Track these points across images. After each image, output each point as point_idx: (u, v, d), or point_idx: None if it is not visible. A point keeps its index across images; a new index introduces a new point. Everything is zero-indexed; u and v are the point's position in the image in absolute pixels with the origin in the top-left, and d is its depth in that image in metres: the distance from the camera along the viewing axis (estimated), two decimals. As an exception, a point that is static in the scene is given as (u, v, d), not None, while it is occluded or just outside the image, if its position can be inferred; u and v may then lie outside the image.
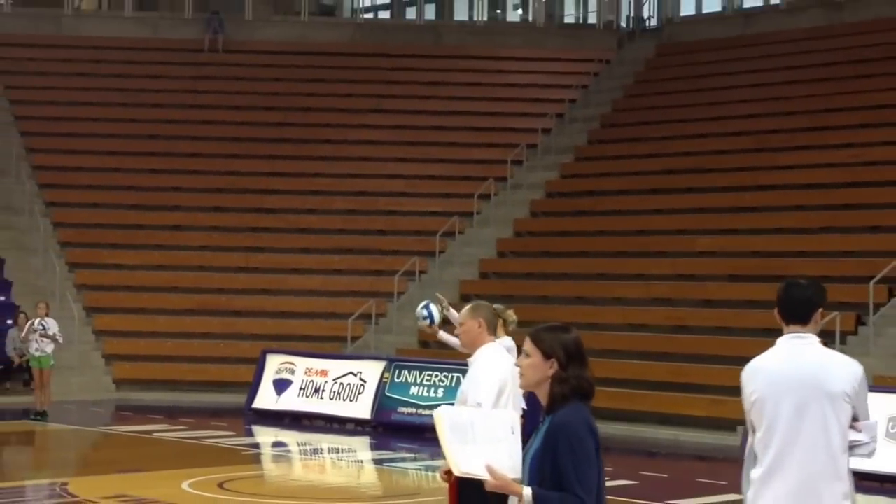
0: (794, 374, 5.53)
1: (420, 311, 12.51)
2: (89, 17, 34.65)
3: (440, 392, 19.15)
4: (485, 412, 6.76)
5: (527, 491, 4.87)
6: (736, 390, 19.55)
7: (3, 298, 24.66)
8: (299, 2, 36.13)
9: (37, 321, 20.78)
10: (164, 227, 27.02)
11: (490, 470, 4.95)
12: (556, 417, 4.94)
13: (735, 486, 16.63)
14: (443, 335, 12.25)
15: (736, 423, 17.59)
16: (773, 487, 5.55)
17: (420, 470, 16.40)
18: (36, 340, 20.65)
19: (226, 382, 23.33)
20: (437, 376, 19.69)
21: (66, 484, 14.99)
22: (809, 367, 5.52)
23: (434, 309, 12.47)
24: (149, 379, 24.07)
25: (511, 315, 11.12)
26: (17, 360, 22.74)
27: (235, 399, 21.92)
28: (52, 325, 20.76)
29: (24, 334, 21.26)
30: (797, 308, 5.62)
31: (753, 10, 32.24)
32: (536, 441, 4.98)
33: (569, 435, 4.88)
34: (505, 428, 5.20)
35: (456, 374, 18.18)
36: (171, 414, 21.01)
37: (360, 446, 19.02)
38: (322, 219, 27.63)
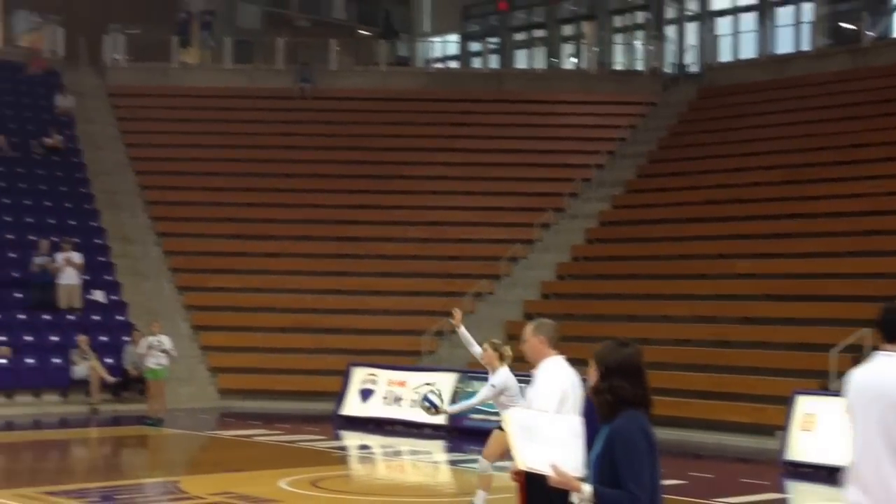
0: (876, 386, 5.62)
1: (422, 402, 12.58)
2: (194, 69, 35.06)
3: (507, 400, 19.19)
4: (550, 416, 6.84)
5: (587, 487, 4.95)
6: (774, 399, 19.45)
7: (121, 318, 25.00)
8: (378, 53, 36.43)
9: (152, 338, 21.11)
10: (261, 254, 27.24)
11: (553, 467, 5.02)
12: (613, 424, 5.02)
13: (776, 486, 16.56)
14: (462, 332, 12.30)
15: (774, 428, 17.52)
16: (854, 483, 5.65)
17: (491, 471, 16.39)
18: (152, 355, 21.00)
19: (316, 392, 23.45)
20: (504, 386, 19.71)
21: (178, 482, 15.20)
22: (890, 381, 5.60)
23: (434, 398, 12.60)
24: (249, 389, 24.25)
25: (508, 351, 11.66)
26: (133, 373, 23.00)
27: (324, 407, 22.06)
28: (166, 342, 21.09)
29: (140, 350, 21.60)
30: (892, 329, 5.71)
31: (786, 56, 32.06)
32: (599, 445, 5.06)
33: (623, 439, 4.96)
34: (568, 431, 5.27)
35: (521, 385, 18.15)
36: (268, 420, 21.17)
37: (436, 449, 19.10)
38: (399, 246, 27.74)
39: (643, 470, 4.94)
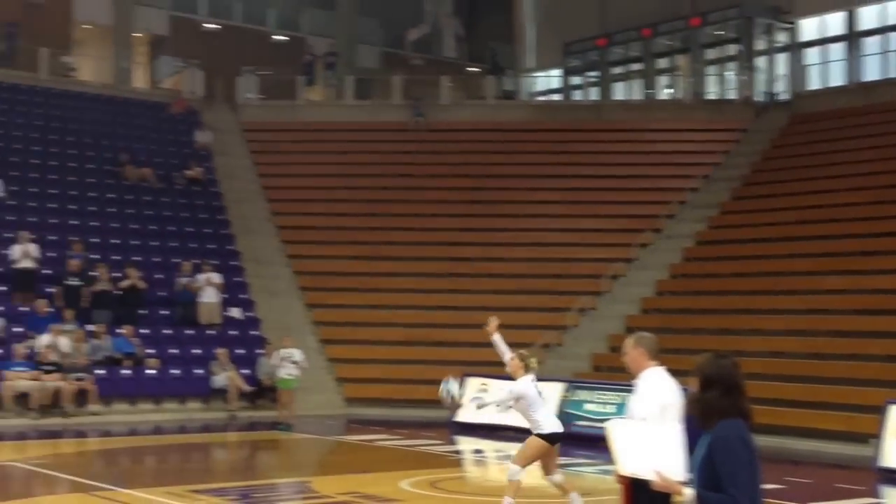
0: None
1: (443, 390, 12.63)
2: (318, 105, 35.55)
3: (611, 408, 19.07)
4: (651, 425, 6.80)
5: (690, 491, 4.93)
6: (867, 408, 19.00)
7: (256, 333, 25.38)
8: (486, 88, 36.55)
9: (284, 351, 21.42)
10: (382, 273, 27.46)
11: (656, 472, 5.00)
12: (714, 431, 4.98)
13: (871, 491, 16.14)
14: (496, 340, 12.18)
15: (868, 436, 17.12)
16: None
17: (595, 473, 16.28)
18: (283, 366, 21.30)
19: (432, 400, 23.34)
20: (608, 395, 19.62)
21: (309, 482, 15.37)
22: None
23: (453, 386, 12.66)
24: (371, 397, 24.41)
25: (534, 362, 11.73)
26: (267, 382, 23.28)
27: (440, 414, 22.03)
28: (296, 354, 21.37)
29: (273, 361, 21.93)
30: None
31: (873, 83, 31.41)
32: (700, 452, 5.03)
33: (723, 446, 4.91)
34: (668, 438, 5.24)
35: (623, 394, 18.06)
36: (389, 426, 21.26)
37: (544, 453, 18.99)
38: (508, 265, 27.74)
39: (743, 474, 4.91)
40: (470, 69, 41.91)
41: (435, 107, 33.81)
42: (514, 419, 20.55)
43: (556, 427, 11.78)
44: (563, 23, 39.45)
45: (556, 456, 12.00)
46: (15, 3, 35.39)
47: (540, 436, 11.66)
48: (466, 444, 20.14)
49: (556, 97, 39.38)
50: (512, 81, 40.20)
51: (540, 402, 11.68)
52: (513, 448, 19.16)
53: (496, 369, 23.02)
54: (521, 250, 28.12)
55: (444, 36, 42.67)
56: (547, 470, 11.87)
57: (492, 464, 18.66)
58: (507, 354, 11.94)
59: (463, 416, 21.41)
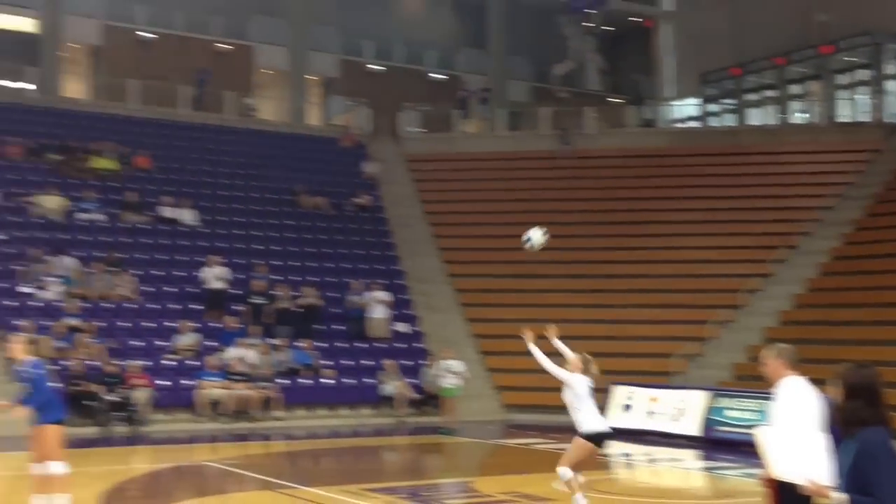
0: None
1: (525, 238, 12.92)
2: (474, 136, 35.79)
3: (753, 415, 18.64)
4: (798, 432, 6.66)
5: (840, 496, 4.83)
6: None
7: (420, 345, 25.58)
8: (627, 117, 36.25)
9: (445, 362, 21.61)
10: (535, 290, 27.33)
11: (807, 476, 4.91)
12: (858, 438, 4.85)
13: None
14: (557, 343, 12.21)
15: None
16: None
17: (739, 477, 15.91)
18: (446, 376, 21.49)
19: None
20: (749, 403, 19.18)
21: (471, 482, 15.42)
22: None
23: (533, 234, 12.87)
24: (527, 404, 24.33)
25: (593, 367, 11.78)
26: (431, 391, 23.45)
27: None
28: (457, 365, 21.54)
29: (436, 371, 22.13)
30: None
31: None
32: (846, 458, 4.93)
33: (869, 452, 4.78)
34: (815, 444, 5.16)
35: (764, 401, 17.63)
36: (543, 430, 21.15)
37: (690, 457, 18.65)
38: (651, 281, 27.36)
39: (889, 481, 4.79)
40: (611, 100, 41.64)
41: (580, 136, 33.64)
42: (660, 424, 20.38)
43: (597, 426, 11.61)
44: (699, 55, 38.91)
45: (594, 456, 11.77)
46: (205, 53, 36.77)
47: (582, 435, 11.46)
48: (615, 448, 19.85)
49: (692, 124, 38.80)
50: (651, 110, 39.79)
51: (586, 401, 11.62)
52: (659, 451, 19.02)
53: (641, 378, 22.88)
54: (664, 267, 27.70)
55: (587, 70, 42.52)
56: (567, 462, 11.66)
57: (640, 466, 18.42)
58: (569, 354, 11.97)
59: (612, 420, 21.19)
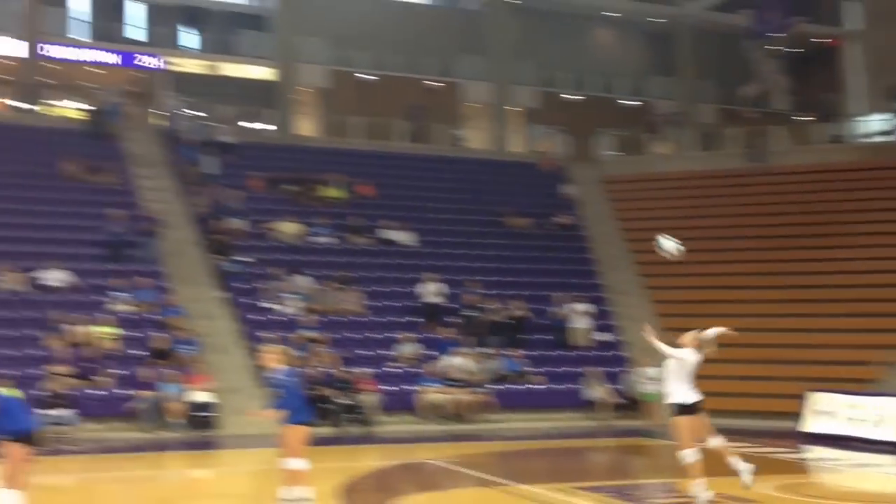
0: None
1: (659, 245, 12.42)
2: (666, 157, 35.18)
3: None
4: None
5: None
6: None
7: (621, 354, 25.28)
8: (815, 134, 34.81)
9: (645, 369, 21.29)
10: (732, 301, 26.50)
11: None
12: None
13: None
14: (653, 342, 11.68)
15: None
16: None
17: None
18: (645, 382, 21.15)
19: (774, 412, 22.46)
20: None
21: (675, 483, 14.98)
22: None
23: (664, 242, 12.44)
24: (722, 409, 23.45)
25: (708, 348, 11.50)
26: (632, 396, 23.19)
27: (784, 424, 21.05)
28: (654, 372, 21.12)
29: (636, 378, 21.82)
30: None
31: None
32: None
33: None
34: None
35: None
36: (740, 434, 20.29)
37: (890, 462, 17.64)
38: (844, 291, 26.07)
39: None
40: (798, 118, 40.07)
41: (768, 153, 32.50)
42: (856, 431, 19.31)
43: (682, 398, 11.13)
44: (887, 70, 36.97)
45: (704, 423, 11.31)
46: (418, 91, 37.69)
47: (671, 408, 11.07)
48: (812, 452, 19.02)
49: (881, 139, 36.79)
50: (839, 127, 38.03)
51: (681, 375, 11.22)
52: (860, 457, 18.00)
53: (838, 385, 21.78)
54: (858, 277, 26.41)
55: (774, 90, 41.08)
56: (701, 439, 11.03)
57: (842, 471, 17.52)
58: (667, 350, 11.54)
59: (811, 426, 20.33)
